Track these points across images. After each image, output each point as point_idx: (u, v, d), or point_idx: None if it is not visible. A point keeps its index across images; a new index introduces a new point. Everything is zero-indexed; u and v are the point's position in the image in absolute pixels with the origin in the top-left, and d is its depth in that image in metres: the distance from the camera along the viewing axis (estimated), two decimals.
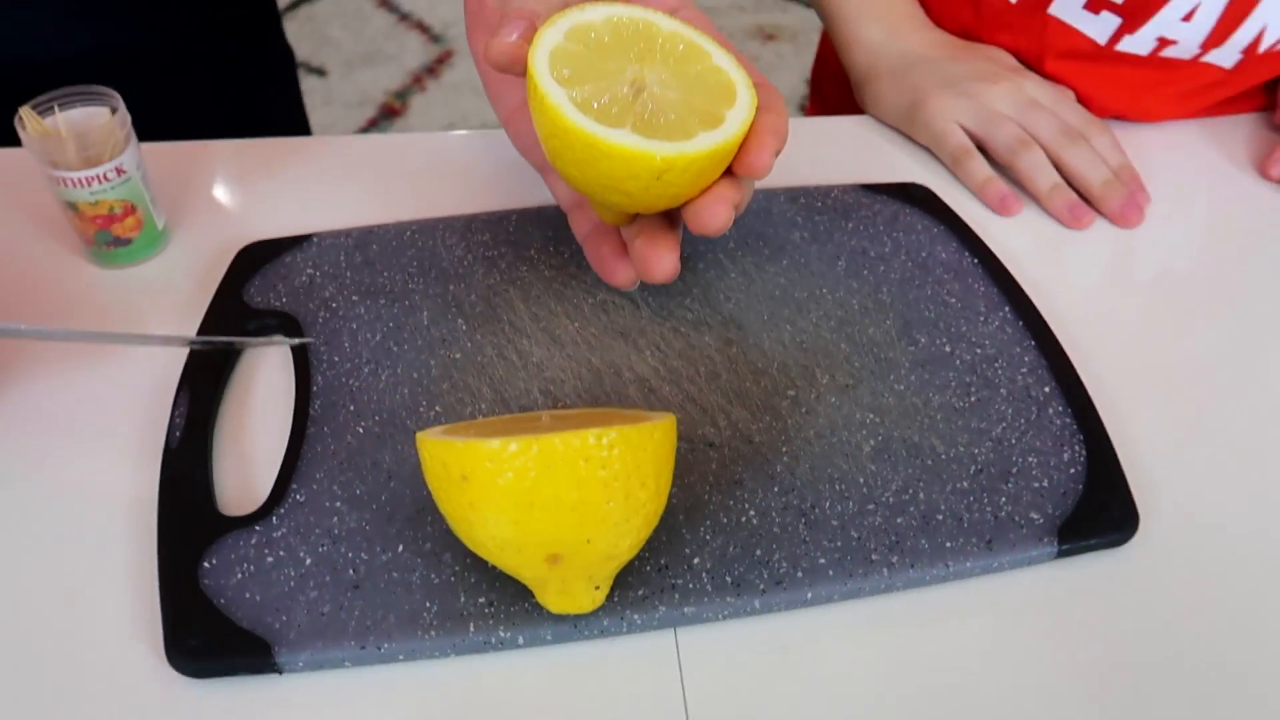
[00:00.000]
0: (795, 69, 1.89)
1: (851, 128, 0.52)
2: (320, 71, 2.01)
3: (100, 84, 0.40)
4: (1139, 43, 0.51)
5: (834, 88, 0.66)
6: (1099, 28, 0.51)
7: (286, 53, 0.68)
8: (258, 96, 0.64)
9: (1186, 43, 0.51)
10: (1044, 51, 0.53)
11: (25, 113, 0.39)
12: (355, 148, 0.49)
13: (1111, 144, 0.49)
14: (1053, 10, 0.51)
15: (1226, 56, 0.51)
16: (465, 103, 1.93)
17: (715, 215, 0.32)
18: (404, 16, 2.22)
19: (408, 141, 0.50)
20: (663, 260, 0.34)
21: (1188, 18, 0.49)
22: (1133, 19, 0.50)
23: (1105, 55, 0.52)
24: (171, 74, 0.57)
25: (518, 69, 0.32)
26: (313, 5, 2.27)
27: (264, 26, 0.65)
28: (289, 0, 2.14)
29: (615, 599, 0.30)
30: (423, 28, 2.17)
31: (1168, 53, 0.51)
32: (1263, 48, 0.50)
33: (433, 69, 2.04)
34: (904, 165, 0.50)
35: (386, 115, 1.91)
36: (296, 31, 2.15)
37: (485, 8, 0.36)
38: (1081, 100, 0.53)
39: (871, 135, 0.52)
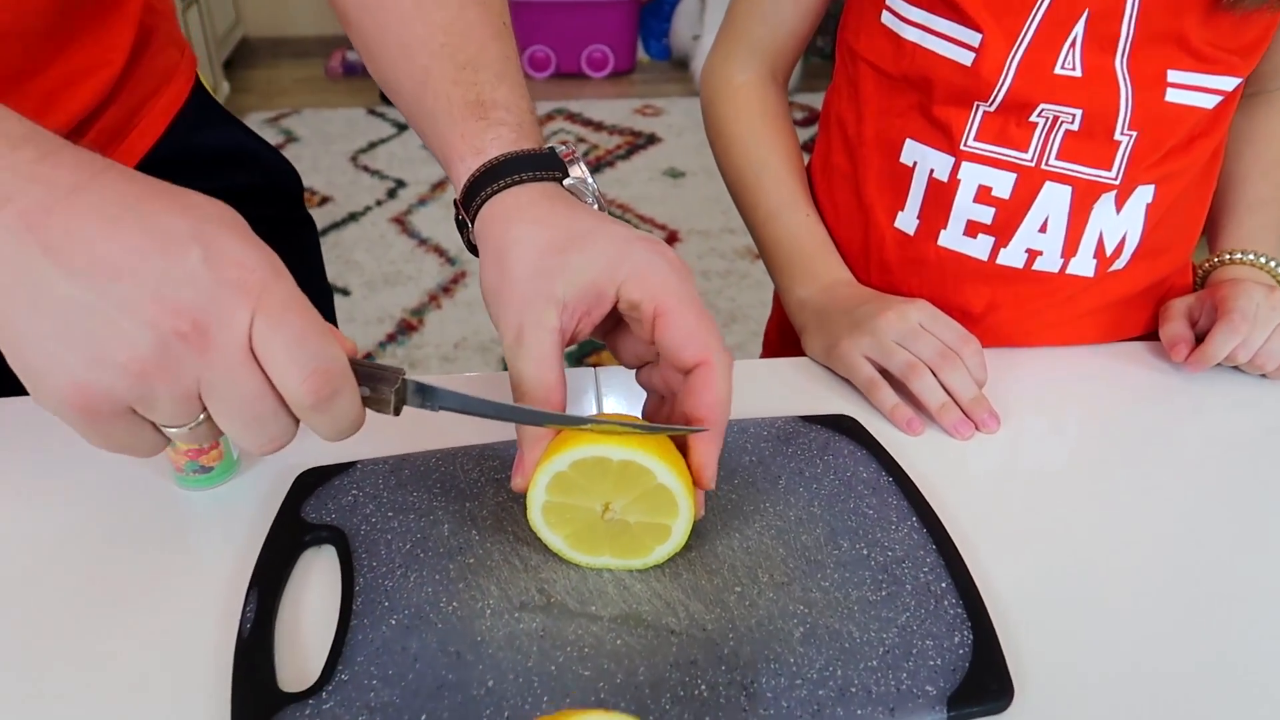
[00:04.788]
0: None
1: (793, 368, 0.64)
2: (345, 291, 2.19)
3: None
4: (1013, 255, 0.64)
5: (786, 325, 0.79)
6: (979, 248, 0.64)
7: (309, 221, 0.77)
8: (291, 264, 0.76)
9: (1050, 253, 0.63)
10: (944, 278, 0.66)
11: None
12: None
13: (979, 361, 0.59)
14: (941, 241, 0.65)
15: (1085, 265, 0.64)
16: (477, 318, 2.10)
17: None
18: (423, 241, 2.43)
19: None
20: None
21: (1043, 229, 0.62)
22: (1003, 234, 0.63)
23: (990, 271, 0.64)
24: None
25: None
26: (340, 231, 2.50)
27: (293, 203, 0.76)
28: (319, 227, 2.35)
29: None
30: (439, 251, 2.38)
31: (1039, 265, 0.64)
32: (1109, 253, 0.63)
33: (447, 289, 2.22)
34: (836, 398, 0.61)
35: (404, 330, 2.07)
36: (325, 255, 2.35)
37: None
38: (983, 327, 0.65)
39: (810, 373, 0.63)
